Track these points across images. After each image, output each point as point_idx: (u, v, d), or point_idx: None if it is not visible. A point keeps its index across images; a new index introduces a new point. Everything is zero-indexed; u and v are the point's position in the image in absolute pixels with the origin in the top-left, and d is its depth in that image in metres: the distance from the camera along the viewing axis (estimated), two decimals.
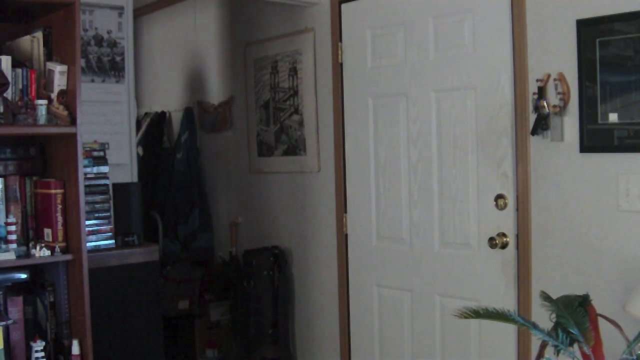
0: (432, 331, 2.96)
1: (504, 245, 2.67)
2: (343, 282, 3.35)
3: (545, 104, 2.48)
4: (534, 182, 2.60)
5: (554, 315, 1.72)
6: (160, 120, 4.86)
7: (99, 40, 2.99)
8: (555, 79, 2.46)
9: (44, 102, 2.29)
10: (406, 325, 3.07)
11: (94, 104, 2.92)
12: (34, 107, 2.29)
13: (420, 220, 2.98)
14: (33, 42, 2.44)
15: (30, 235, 2.43)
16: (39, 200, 2.43)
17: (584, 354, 1.68)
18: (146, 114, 4.96)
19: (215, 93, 4.51)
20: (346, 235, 3.32)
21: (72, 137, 2.32)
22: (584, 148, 2.42)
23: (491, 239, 2.69)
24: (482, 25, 2.70)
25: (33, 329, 2.39)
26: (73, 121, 2.32)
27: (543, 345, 1.77)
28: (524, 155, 2.61)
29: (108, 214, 2.67)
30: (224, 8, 4.44)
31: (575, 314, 1.68)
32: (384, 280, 3.14)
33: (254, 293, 3.74)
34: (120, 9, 3.05)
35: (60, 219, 2.36)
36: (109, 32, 3.02)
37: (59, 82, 2.34)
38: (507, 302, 2.58)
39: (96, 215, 2.63)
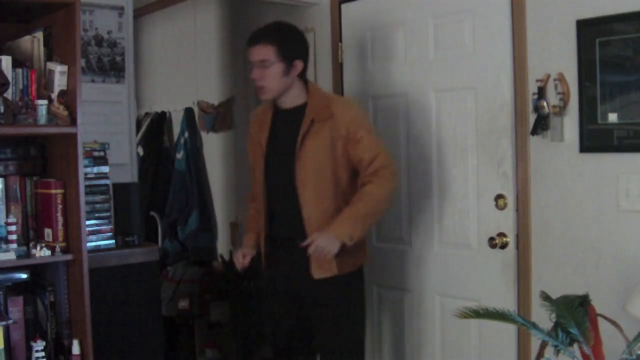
0: (432, 331, 2.96)
1: (504, 245, 2.67)
2: None
3: (545, 104, 2.48)
4: (534, 182, 2.60)
5: (554, 315, 1.73)
6: (160, 120, 4.86)
7: (99, 41, 2.99)
8: (555, 79, 2.46)
9: (44, 102, 2.29)
10: (406, 326, 3.08)
11: (94, 104, 2.92)
12: (34, 107, 2.29)
13: (420, 220, 2.98)
14: (33, 42, 2.44)
15: (30, 235, 2.43)
16: (39, 200, 2.43)
17: (583, 354, 1.68)
18: (146, 114, 4.97)
19: (215, 93, 4.52)
20: None
21: (72, 137, 2.32)
22: (584, 148, 2.42)
23: (491, 239, 2.69)
24: (482, 25, 2.70)
25: (33, 329, 2.38)
26: (73, 121, 2.32)
27: (543, 345, 1.77)
28: (524, 155, 2.61)
29: (108, 214, 2.67)
30: (224, 8, 4.44)
31: (575, 314, 1.68)
32: (384, 280, 3.14)
33: (254, 293, 3.74)
34: (120, 9, 3.05)
35: (60, 219, 2.36)
36: (109, 32, 3.02)
37: (59, 82, 2.34)
38: (507, 302, 2.58)
39: (96, 215, 2.63)
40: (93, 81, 2.97)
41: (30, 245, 2.37)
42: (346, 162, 2.50)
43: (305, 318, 2.62)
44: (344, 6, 3.28)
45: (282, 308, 2.65)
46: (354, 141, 2.47)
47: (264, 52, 2.47)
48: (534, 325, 1.72)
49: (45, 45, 2.42)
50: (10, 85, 2.27)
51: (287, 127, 2.54)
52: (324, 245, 2.37)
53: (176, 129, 4.71)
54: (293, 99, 2.55)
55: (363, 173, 2.49)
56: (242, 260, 2.63)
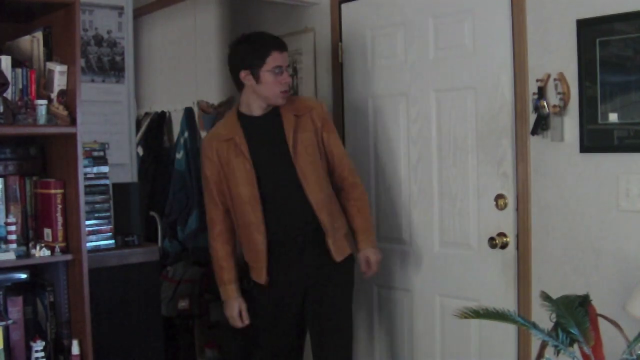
0: (432, 331, 2.96)
1: (504, 245, 2.67)
2: None
3: (545, 104, 2.48)
4: (534, 182, 2.60)
5: (554, 315, 1.72)
6: (160, 120, 4.85)
7: (99, 40, 2.99)
8: (555, 79, 2.46)
9: (44, 102, 2.29)
10: (406, 326, 3.07)
11: (94, 104, 2.92)
12: (33, 107, 2.29)
13: (420, 220, 2.98)
14: (33, 42, 2.44)
15: (30, 235, 2.43)
16: (39, 200, 2.43)
17: (584, 354, 1.68)
18: (146, 114, 4.96)
19: (215, 93, 4.51)
20: None
21: (72, 137, 2.32)
22: (584, 148, 2.42)
23: (491, 239, 2.68)
24: (482, 25, 2.70)
25: (33, 329, 2.38)
26: (73, 121, 2.32)
27: (543, 346, 1.77)
28: (524, 155, 2.61)
29: (108, 214, 2.67)
30: (224, 8, 4.44)
31: (575, 314, 1.68)
32: (384, 281, 3.14)
33: (254, 293, 3.73)
34: (120, 9, 3.05)
35: (60, 219, 2.36)
36: (109, 32, 3.02)
37: (59, 82, 2.34)
38: (507, 302, 2.58)
39: (96, 215, 2.63)
40: (93, 81, 2.97)
41: (30, 245, 2.37)
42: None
43: (304, 310, 2.72)
44: (344, 6, 3.28)
45: (284, 314, 2.71)
46: (327, 131, 2.72)
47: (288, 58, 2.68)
48: (534, 325, 1.72)
49: (45, 45, 2.42)
50: (10, 85, 2.27)
51: (267, 130, 2.66)
52: (378, 259, 2.73)
53: (176, 128, 4.71)
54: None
55: (340, 171, 2.74)
56: (241, 319, 2.70)
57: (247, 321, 2.71)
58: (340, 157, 2.75)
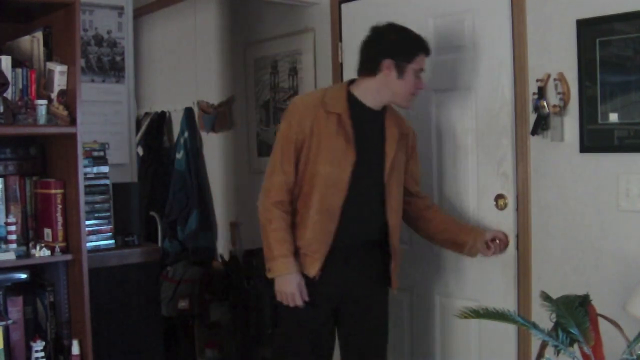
0: (432, 331, 2.96)
1: None
2: None
3: (545, 104, 2.48)
4: (534, 182, 2.60)
5: (554, 315, 1.73)
6: (160, 120, 4.86)
7: (99, 40, 3.00)
8: (555, 79, 2.46)
9: (44, 102, 2.29)
10: (406, 326, 3.07)
11: (94, 104, 2.92)
12: (34, 107, 2.29)
13: None
14: (33, 42, 2.44)
15: (30, 235, 2.43)
16: (39, 200, 2.43)
17: (584, 354, 1.68)
18: (146, 114, 4.97)
19: (215, 93, 4.52)
20: None
21: (72, 137, 2.32)
22: (584, 148, 2.42)
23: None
24: (482, 25, 2.70)
25: (33, 329, 2.39)
26: (73, 121, 2.32)
27: (543, 345, 1.77)
28: (524, 155, 2.61)
29: (108, 214, 2.67)
30: (224, 8, 4.44)
31: (575, 314, 1.68)
32: None
33: (254, 293, 3.74)
34: (120, 9, 3.05)
35: (60, 219, 2.36)
36: (109, 32, 3.02)
37: (59, 82, 2.34)
38: (507, 302, 2.58)
39: (96, 215, 2.63)
40: (93, 81, 2.98)
41: (30, 245, 2.37)
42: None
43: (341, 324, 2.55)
44: (344, 6, 3.28)
45: (325, 318, 2.48)
46: (415, 158, 2.63)
47: None
48: (534, 325, 1.72)
49: (45, 45, 2.43)
50: (10, 85, 2.27)
51: (372, 130, 2.45)
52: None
53: (176, 129, 4.71)
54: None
55: (417, 189, 2.66)
56: (302, 296, 2.37)
57: (306, 298, 2.36)
58: (419, 178, 2.68)
